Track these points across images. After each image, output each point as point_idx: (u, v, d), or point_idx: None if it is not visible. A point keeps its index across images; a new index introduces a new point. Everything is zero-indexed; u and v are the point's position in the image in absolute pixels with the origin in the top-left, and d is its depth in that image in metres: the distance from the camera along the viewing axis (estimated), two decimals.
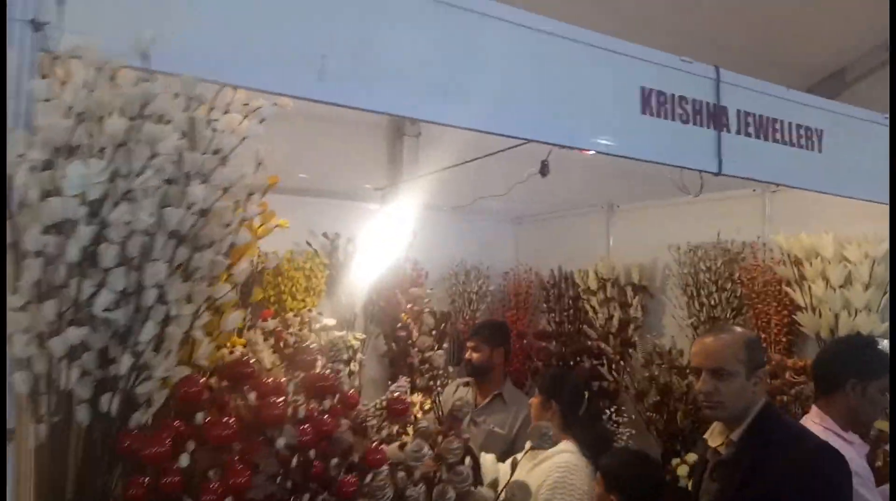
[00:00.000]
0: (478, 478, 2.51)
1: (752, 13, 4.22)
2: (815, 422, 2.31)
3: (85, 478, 1.37)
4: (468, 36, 1.91)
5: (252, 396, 1.56)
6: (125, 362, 1.35)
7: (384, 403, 1.87)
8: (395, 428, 1.92)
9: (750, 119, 2.44)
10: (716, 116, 2.38)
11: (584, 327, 4.21)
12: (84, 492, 1.38)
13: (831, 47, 4.67)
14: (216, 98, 1.58)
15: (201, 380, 1.46)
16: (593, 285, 4.23)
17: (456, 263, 4.78)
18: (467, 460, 1.73)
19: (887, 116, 2.68)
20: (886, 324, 3.21)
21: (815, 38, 4.51)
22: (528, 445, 2.86)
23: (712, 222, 3.89)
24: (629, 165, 2.33)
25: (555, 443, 2.59)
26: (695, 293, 3.84)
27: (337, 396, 1.83)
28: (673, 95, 2.29)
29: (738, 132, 2.42)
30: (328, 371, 2.16)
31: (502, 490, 1.65)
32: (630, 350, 3.90)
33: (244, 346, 2.53)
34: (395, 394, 1.94)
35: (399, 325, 4.08)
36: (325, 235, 4.22)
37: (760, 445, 1.95)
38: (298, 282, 4.06)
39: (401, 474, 1.71)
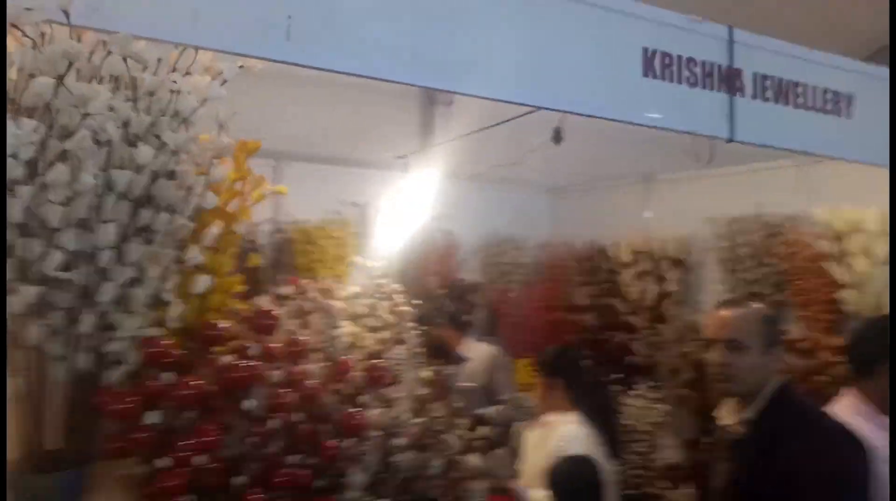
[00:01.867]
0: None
1: None
2: (847, 406, 2.18)
3: (64, 430, 1.45)
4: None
5: (225, 359, 1.60)
6: (86, 321, 1.41)
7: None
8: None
9: (768, 83, 2.27)
10: (728, 79, 2.24)
11: (613, 300, 4.11)
12: (66, 441, 1.46)
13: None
14: (177, 60, 1.59)
15: (163, 341, 1.51)
16: (627, 258, 4.12)
17: (490, 233, 4.75)
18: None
19: None
20: None
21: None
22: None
23: (753, 194, 3.71)
24: (667, 134, 2.21)
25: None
26: (733, 268, 3.69)
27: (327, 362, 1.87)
28: (680, 57, 2.16)
29: (755, 97, 2.26)
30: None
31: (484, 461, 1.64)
32: (659, 325, 3.78)
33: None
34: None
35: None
36: (355, 204, 4.27)
37: (775, 424, 1.84)
38: (328, 251, 4.14)
39: (386, 441, 1.71)
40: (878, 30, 4.35)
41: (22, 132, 1.18)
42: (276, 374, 1.68)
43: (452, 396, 1.86)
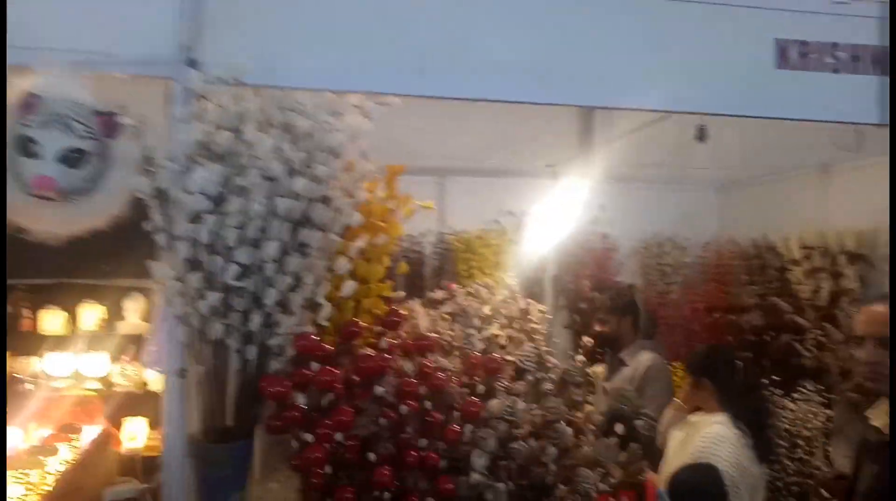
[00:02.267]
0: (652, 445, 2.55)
1: None
2: None
3: (235, 409, 1.78)
4: (569, 15, 1.97)
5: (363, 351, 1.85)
6: (255, 320, 1.72)
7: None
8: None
9: None
10: (880, 61, 2.10)
11: (776, 299, 3.86)
12: (236, 418, 1.80)
13: None
14: (332, 103, 1.88)
15: (313, 336, 1.79)
16: (797, 253, 3.85)
17: (650, 235, 4.68)
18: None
19: None
20: None
21: None
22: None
23: None
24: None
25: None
26: None
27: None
28: (819, 44, 2.08)
29: None
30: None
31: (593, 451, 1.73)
32: (828, 325, 3.50)
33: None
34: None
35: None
36: (512, 212, 4.45)
37: None
38: (488, 258, 4.36)
39: (503, 427, 1.86)
40: None
41: (209, 175, 1.51)
42: (407, 365, 1.91)
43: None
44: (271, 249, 1.68)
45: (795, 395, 3.00)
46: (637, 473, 1.84)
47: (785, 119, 2.12)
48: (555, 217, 4.22)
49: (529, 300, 2.73)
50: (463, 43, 1.97)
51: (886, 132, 2.11)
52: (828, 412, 3.04)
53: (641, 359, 3.50)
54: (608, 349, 3.51)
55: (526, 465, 1.66)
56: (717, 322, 4.13)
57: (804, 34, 2.10)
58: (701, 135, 2.94)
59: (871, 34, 2.11)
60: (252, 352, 1.77)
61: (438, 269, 4.36)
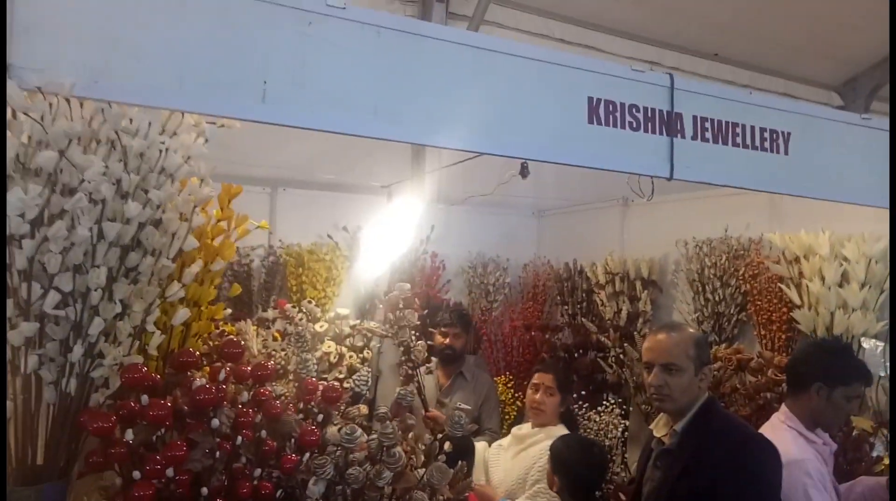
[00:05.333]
0: (469, 461, 2.73)
1: (792, 5, 4.13)
2: (780, 420, 2.36)
3: (48, 447, 1.66)
4: (405, 57, 2.06)
5: (197, 382, 1.80)
6: (77, 351, 1.62)
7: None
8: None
9: (707, 124, 2.47)
10: (669, 123, 2.44)
11: (584, 320, 4.30)
12: (54, 458, 1.67)
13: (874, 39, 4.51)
14: (167, 121, 1.82)
15: (142, 367, 1.72)
16: (602, 278, 4.31)
17: (475, 255, 4.96)
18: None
19: (864, 116, 2.65)
20: (882, 323, 3.17)
21: (861, 28, 4.37)
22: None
23: (724, 217, 3.90)
24: None
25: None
26: (700, 289, 3.87)
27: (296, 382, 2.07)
28: (623, 104, 2.37)
29: (694, 138, 2.45)
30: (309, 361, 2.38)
31: (425, 473, 1.83)
32: (626, 344, 3.97)
33: (235, 334, 2.82)
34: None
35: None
36: (345, 228, 4.49)
37: (701, 436, 2.06)
38: (319, 273, 4.36)
39: (339, 453, 1.90)
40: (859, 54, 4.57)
41: (28, 197, 1.40)
42: (243, 395, 1.89)
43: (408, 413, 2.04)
44: (99, 275, 1.59)
45: (599, 407, 3.37)
46: (463, 490, 1.98)
47: (593, 168, 2.36)
48: (387, 235, 4.34)
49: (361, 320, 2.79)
50: (304, 74, 1.99)
51: (675, 182, 2.45)
52: (626, 422, 3.44)
53: (481, 374, 3.71)
54: (450, 365, 3.64)
55: (361, 490, 1.72)
56: (534, 339, 4.48)
57: (610, 95, 2.37)
58: (523, 172, 3.23)
59: (663, 100, 2.44)
60: (71, 385, 1.66)
61: (267, 284, 4.27)
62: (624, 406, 3.63)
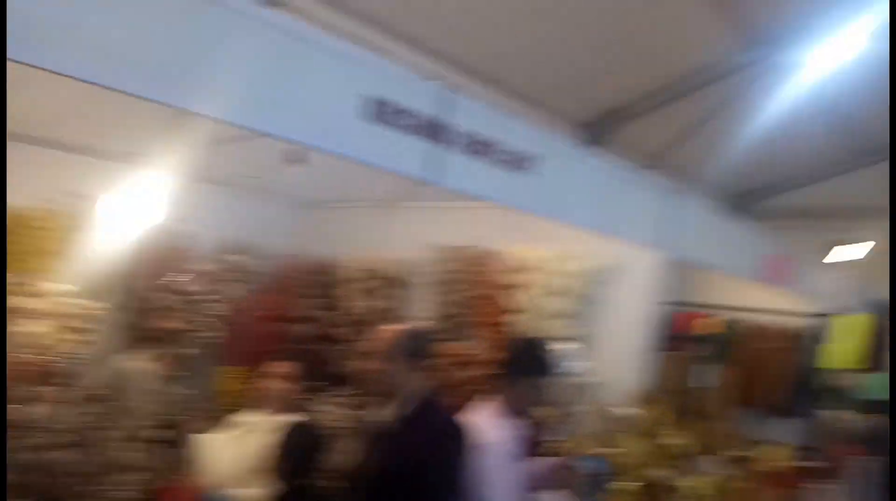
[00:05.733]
0: None
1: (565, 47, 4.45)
2: (490, 408, 2.63)
3: None
4: (180, 18, 1.90)
5: None
6: None
7: None
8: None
9: (472, 138, 2.63)
10: (436, 132, 2.55)
11: (326, 313, 4.37)
12: None
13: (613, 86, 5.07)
14: None
15: None
16: (357, 275, 4.40)
17: (230, 241, 4.71)
18: None
19: (597, 152, 3.05)
20: (574, 328, 3.74)
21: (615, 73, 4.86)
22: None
23: (474, 227, 4.20)
24: None
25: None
26: (440, 290, 4.15)
27: None
28: (398, 106, 2.42)
29: (462, 150, 2.59)
30: None
31: None
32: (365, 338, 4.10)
33: None
34: None
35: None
36: (76, 195, 3.92)
37: (410, 421, 2.28)
38: (34, 243, 3.76)
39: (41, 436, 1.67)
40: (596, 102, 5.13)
41: None
42: None
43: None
44: None
45: (332, 397, 3.44)
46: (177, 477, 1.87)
47: (359, 162, 2.38)
48: (135, 208, 3.91)
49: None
50: (72, 21, 1.74)
51: (436, 187, 2.58)
52: (358, 412, 3.54)
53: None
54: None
55: (60, 475, 1.53)
56: (278, 330, 4.40)
57: (387, 95, 2.41)
58: (292, 158, 3.16)
59: (437, 110, 2.55)
60: None
61: None
62: (357, 396, 3.71)
